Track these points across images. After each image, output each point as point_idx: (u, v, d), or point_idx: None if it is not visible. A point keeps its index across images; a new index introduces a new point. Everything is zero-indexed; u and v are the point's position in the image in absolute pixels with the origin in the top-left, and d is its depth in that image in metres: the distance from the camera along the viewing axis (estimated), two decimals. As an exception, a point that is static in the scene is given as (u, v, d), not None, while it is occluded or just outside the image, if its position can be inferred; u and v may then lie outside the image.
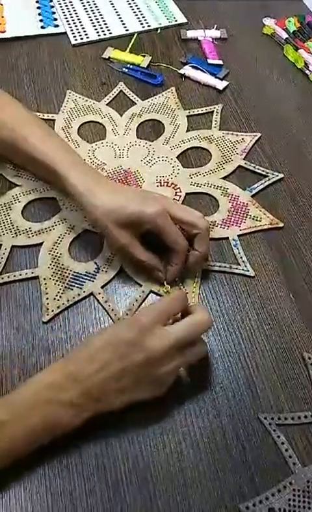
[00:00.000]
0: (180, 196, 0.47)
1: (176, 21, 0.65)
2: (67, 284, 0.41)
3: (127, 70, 0.58)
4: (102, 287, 0.41)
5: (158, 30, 0.64)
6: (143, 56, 0.60)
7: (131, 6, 0.66)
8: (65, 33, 0.63)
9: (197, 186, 0.48)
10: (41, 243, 0.43)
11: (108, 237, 0.40)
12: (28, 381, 0.32)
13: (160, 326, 0.32)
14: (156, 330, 0.32)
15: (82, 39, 0.62)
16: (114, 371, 0.31)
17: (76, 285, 0.41)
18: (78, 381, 0.31)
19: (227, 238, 0.44)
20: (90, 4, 0.66)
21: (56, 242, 0.43)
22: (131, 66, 0.59)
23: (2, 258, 0.42)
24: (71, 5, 0.66)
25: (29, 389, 0.32)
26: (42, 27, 0.63)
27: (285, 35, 0.63)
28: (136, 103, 0.55)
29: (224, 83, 0.57)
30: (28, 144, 0.42)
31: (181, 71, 0.58)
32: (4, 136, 0.43)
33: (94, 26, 0.64)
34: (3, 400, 0.31)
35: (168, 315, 0.33)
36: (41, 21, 0.64)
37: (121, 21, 0.64)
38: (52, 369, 0.33)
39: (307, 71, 0.60)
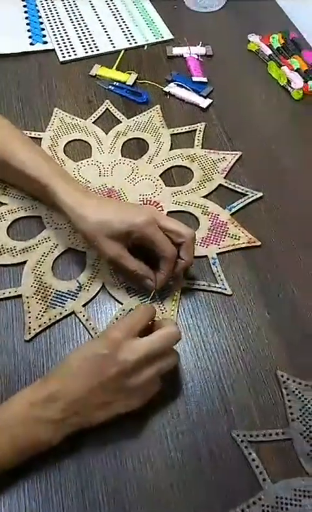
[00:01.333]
0: (162, 214, 0.48)
1: (162, 37, 0.66)
2: (50, 302, 0.42)
3: (113, 88, 0.60)
4: (83, 305, 0.42)
5: (145, 47, 0.65)
6: (130, 73, 0.61)
7: (119, 23, 0.68)
8: (53, 50, 0.64)
9: (178, 204, 0.49)
10: (25, 262, 0.44)
11: (98, 249, 0.41)
12: (10, 400, 0.33)
13: (132, 339, 0.34)
14: (127, 343, 0.33)
15: (70, 56, 0.63)
16: (92, 386, 0.33)
17: (58, 304, 0.42)
18: (58, 399, 0.32)
19: (206, 256, 0.46)
20: (78, 21, 0.67)
21: (39, 261, 0.45)
22: (117, 84, 0.60)
23: (-14, 277, 0.43)
24: (60, 21, 0.67)
25: (12, 408, 0.33)
26: (31, 44, 0.64)
27: (269, 51, 0.65)
28: (121, 121, 0.56)
29: (208, 101, 0.58)
30: (17, 160, 0.43)
31: (166, 89, 0.59)
32: None
33: (82, 43, 0.65)
34: None
35: (138, 327, 0.35)
36: (30, 37, 0.65)
37: (109, 37, 0.66)
38: (32, 388, 0.34)
39: (289, 88, 0.61)
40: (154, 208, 0.42)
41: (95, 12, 0.69)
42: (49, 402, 0.32)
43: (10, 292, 0.42)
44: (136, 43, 0.65)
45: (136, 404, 0.34)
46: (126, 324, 0.35)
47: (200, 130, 0.55)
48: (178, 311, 0.42)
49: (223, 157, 0.53)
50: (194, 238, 0.41)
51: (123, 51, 0.63)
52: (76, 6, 0.69)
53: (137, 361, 0.33)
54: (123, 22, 0.68)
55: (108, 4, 0.70)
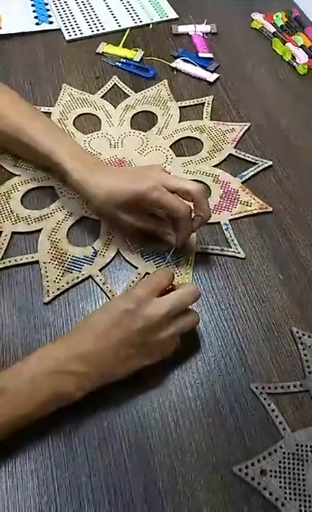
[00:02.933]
0: (173, 184, 0.49)
1: (167, 16, 0.67)
2: (66, 267, 0.43)
3: (120, 64, 0.60)
4: (100, 270, 0.43)
5: (151, 26, 0.65)
6: (136, 50, 0.61)
7: (123, 3, 0.68)
8: (59, 29, 0.64)
9: (189, 173, 0.50)
10: (40, 230, 0.45)
11: (115, 223, 0.42)
12: (33, 354, 0.33)
13: (155, 297, 0.35)
14: (151, 300, 0.34)
15: (76, 35, 0.64)
16: (114, 340, 0.33)
17: (75, 268, 0.43)
18: (80, 354, 0.33)
19: (219, 222, 0.46)
20: (82, 1, 0.68)
21: (54, 228, 0.45)
22: (124, 60, 0.60)
23: (3, 244, 0.44)
24: (65, 2, 0.68)
25: (35, 361, 0.33)
26: (37, 24, 0.65)
27: (273, 29, 0.66)
28: (129, 95, 0.57)
29: (215, 75, 0.59)
30: (29, 136, 0.44)
31: (173, 65, 0.60)
32: (6, 128, 0.45)
33: (87, 22, 0.65)
34: (12, 371, 0.33)
35: (160, 287, 0.36)
36: (36, 17, 0.65)
37: (114, 17, 0.66)
38: (55, 345, 0.34)
39: (294, 64, 0.62)
40: (159, 169, 0.41)
41: (100, -8, 0.69)
42: (74, 358, 0.33)
43: (27, 258, 0.43)
44: (141, 22, 0.66)
45: (155, 359, 0.35)
46: (149, 283, 0.36)
47: (208, 103, 0.56)
48: (193, 275, 0.43)
49: (232, 128, 0.54)
50: (202, 191, 0.39)
51: (128, 29, 0.64)
52: (80, -13, 0.69)
53: (162, 316, 0.34)
54: (128, 1, 0.68)
55: (112, -16, 0.70)
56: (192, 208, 0.40)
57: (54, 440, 0.34)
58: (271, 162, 0.51)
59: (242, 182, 0.49)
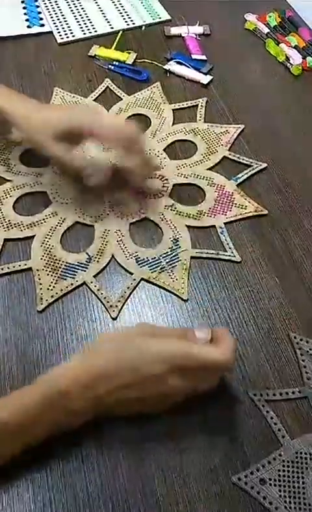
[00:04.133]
0: (168, 187, 0.48)
1: (160, 18, 0.66)
2: (60, 274, 0.42)
3: (112, 67, 0.60)
4: (94, 276, 0.42)
5: (143, 28, 0.65)
6: (129, 53, 0.61)
7: (115, 4, 0.68)
8: (51, 32, 0.64)
9: (184, 177, 0.49)
10: (33, 236, 0.44)
11: (48, 151, 0.43)
12: (39, 383, 0.32)
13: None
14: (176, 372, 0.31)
15: (67, 37, 0.63)
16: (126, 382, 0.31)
17: (69, 275, 0.42)
18: (89, 389, 0.31)
19: (214, 226, 0.46)
20: (74, 3, 0.67)
21: (47, 235, 0.44)
22: (117, 63, 0.60)
23: (-5, 251, 0.43)
24: (56, 4, 0.67)
25: (39, 392, 0.31)
26: (28, 27, 0.64)
27: (266, 30, 0.65)
28: (122, 98, 0.56)
29: (208, 77, 0.59)
30: None
31: (166, 67, 0.60)
32: None
33: (79, 24, 0.65)
34: (15, 400, 0.31)
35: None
36: (27, 20, 0.65)
37: (106, 19, 0.66)
38: (65, 374, 0.32)
39: (288, 65, 0.62)
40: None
41: (91, -6, 0.69)
42: (79, 393, 0.31)
43: (19, 265, 0.42)
44: (133, 24, 0.65)
45: (161, 408, 0.33)
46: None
47: (202, 105, 0.55)
48: (189, 279, 0.42)
49: (226, 130, 0.53)
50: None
51: (121, 32, 0.63)
52: (71, -11, 0.69)
53: (164, 370, 0.31)
54: (120, 3, 0.68)
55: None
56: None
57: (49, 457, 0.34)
58: (266, 164, 0.50)
59: (237, 185, 0.49)
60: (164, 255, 0.43)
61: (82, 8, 0.67)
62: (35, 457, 0.32)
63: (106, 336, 0.36)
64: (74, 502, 0.32)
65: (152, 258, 0.43)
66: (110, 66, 0.60)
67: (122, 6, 0.67)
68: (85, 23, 0.65)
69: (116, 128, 0.43)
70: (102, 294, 0.41)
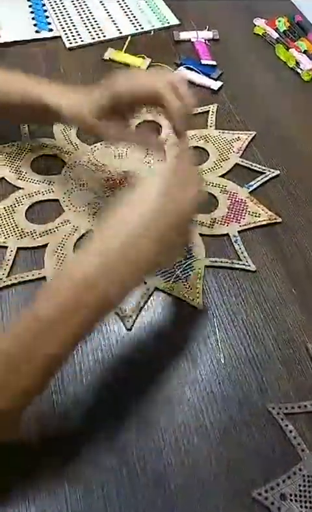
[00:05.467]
0: (180, 195, 0.48)
1: (168, 22, 0.66)
2: (74, 284, 0.41)
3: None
4: (108, 286, 0.42)
5: (152, 33, 0.65)
6: (143, 58, 0.60)
7: (123, 9, 0.67)
8: (59, 37, 0.63)
9: (196, 184, 0.49)
10: (46, 245, 0.44)
11: (93, 131, 0.41)
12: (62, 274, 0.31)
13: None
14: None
15: (76, 42, 0.63)
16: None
17: (82, 285, 0.41)
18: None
19: (228, 234, 0.45)
20: (82, 8, 0.67)
21: (60, 243, 0.44)
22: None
23: (8, 260, 0.42)
24: (64, 9, 0.67)
25: (66, 283, 0.29)
26: (36, 31, 0.64)
27: (275, 35, 0.65)
28: (133, 105, 0.56)
29: (218, 83, 0.58)
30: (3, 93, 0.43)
31: (176, 72, 0.59)
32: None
33: (88, 29, 0.64)
34: (46, 295, 0.30)
35: None
36: (35, 25, 0.64)
37: (115, 23, 0.65)
38: (85, 258, 0.30)
39: (298, 70, 0.61)
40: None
41: (99, -2, 0.68)
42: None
43: (33, 275, 0.42)
44: (142, 28, 0.65)
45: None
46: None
47: (212, 112, 0.55)
48: (203, 289, 0.42)
49: (238, 137, 0.53)
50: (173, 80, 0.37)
51: (129, 36, 0.63)
52: (79, -6, 0.69)
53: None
54: (128, 8, 0.67)
55: (111, -9, 0.69)
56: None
57: (70, 483, 0.33)
58: (278, 171, 0.50)
59: (250, 192, 0.48)
60: (178, 264, 0.43)
61: (91, 13, 0.66)
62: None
63: None
64: None
65: (166, 268, 0.43)
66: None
67: (130, 11, 0.67)
68: (93, 28, 0.64)
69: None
70: (116, 304, 0.41)
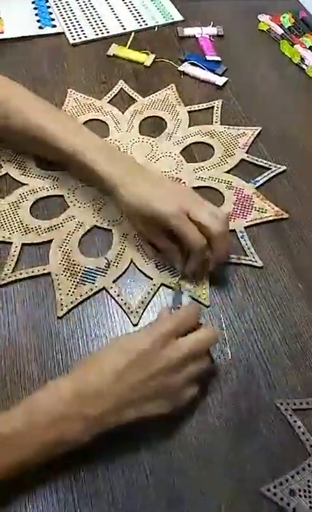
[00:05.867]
0: (185, 191, 0.48)
1: (172, 18, 0.65)
2: (79, 279, 0.41)
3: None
4: (114, 281, 0.41)
5: (156, 29, 0.64)
6: (147, 54, 0.60)
7: (127, 5, 0.67)
8: (62, 33, 0.63)
9: (201, 180, 0.49)
10: (51, 241, 0.44)
11: (134, 227, 0.43)
12: (45, 390, 0.31)
13: (175, 338, 0.33)
14: (172, 341, 0.33)
15: (80, 38, 0.62)
16: (130, 381, 0.31)
17: (88, 280, 0.41)
18: (92, 395, 0.30)
19: (234, 230, 0.45)
20: (86, 4, 0.67)
21: (65, 239, 0.44)
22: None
23: (13, 256, 0.42)
24: (68, 5, 0.66)
25: (48, 401, 0.31)
26: (40, 27, 0.63)
27: (280, 31, 0.64)
28: (136, 100, 0.55)
29: (223, 79, 0.58)
30: (51, 135, 0.42)
31: (180, 68, 0.59)
32: (27, 127, 0.43)
33: (91, 25, 0.64)
34: (22, 408, 0.31)
35: (183, 329, 0.34)
36: (38, 21, 0.64)
37: (118, 19, 0.65)
38: (64, 382, 0.32)
39: (303, 66, 0.61)
40: (188, 196, 0.39)
41: (103, -6, 0.68)
42: (85, 399, 0.30)
43: (38, 270, 0.42)
44: (146, 24, 0.64)
45: (169, 407, 0.33)
46: (173, 323, 0.33)
47: (217, 107, 0.55)
48: (210, 285, 0.42)
49: (243, 132, 0.52)
50: (223, 234, 0.38)
51: (133, 32, 0.63)
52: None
53: (180, 359, 0.32)
54: (131, 4, 0.67)
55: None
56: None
57: (76, 485, 0.33)
58: (285, 167, 0.50)
59: (256, 188, 0.48)
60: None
61: (94, 9, 0.66)
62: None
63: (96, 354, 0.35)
64: None
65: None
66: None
67: (134, 7, 0.67)
68: (97, 24, 0.64)
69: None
70: (122, 299, 0.40)
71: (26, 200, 0.46)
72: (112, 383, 0.31)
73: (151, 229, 0.40)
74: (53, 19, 0.64)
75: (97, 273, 0.42)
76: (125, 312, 0.40)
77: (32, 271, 0.42)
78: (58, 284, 0.41)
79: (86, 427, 0.30)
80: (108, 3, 0.67)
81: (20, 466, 0.29)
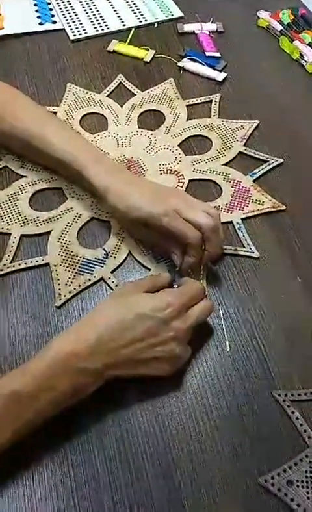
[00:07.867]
0: (183, 183, 0.48)
1: (172, 15, 0.66)
2: (78, 270, 0.41)
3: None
4: (112, 272, 0.41)
5: (156, 25, 0.65)
6: (147, 49, 0.60)
7: (127, 1, 0.67)
8: (63, 29, 0.63)
9: (199, 172, 0.49)
10: (49, 232, 0.44)
11: (128, 229, 0.44)
12: (45, 350, 0.32)
13: (185, 311, 0.35)
14: (183, 314, 0.35)
15: (80, 34, 0.63)
16: (141, 347, 0.33)
17: (86, 271, 0.41)
18: (103, 352, 0.32)
19: (231, 222, 0.45)
20: (86, 0, 0.67)
21: (64, 230, 0.44)
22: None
23: (12, 247, 0.42)
24: (68, 1, 0.67)
25: (49, 358, 0.31)
26: (40, 24, 0.64)
27: (279, 27, 0.65)
28: (135, 94, 0.55)
29: (223, 74, 0.58)
30: (45, 141, 0.43)
31: (180, 64, 0.59)
32: (22, 133, 0.44)
33: (91, 21, 0.64)
34: (24, 371, 0.31)
35: (192, 303, 0.36)
36: (38, 17, 0.64)
37: (118, 15, 0.65)
38: (69, 337, 0.33)
39: (302, 62, 0.61)
40: (178, 197, 0.40)
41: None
42: (94, 354, 0.32)
43: (37, 261, 0.42)
44: (146, 20, 0.65)
45: (169, 369, 0.35)
46: (183, 295, 0.36)
47: (216, 101, 0.55)
48: (207, 278, 0.42)
49: (241, 126, 0.53)
50: (213, 228, 0.38)
51: (133, 28, 0.63)
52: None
53: (186, 331, 0.35)
54: (132, 0, 0.67)
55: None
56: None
57: (73, 459, 0.33)
58: (282, 160, 0.50)
59: (254, 181, 0.48)
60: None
61: (94, 5, 0.66)
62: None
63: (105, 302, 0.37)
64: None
65: (170, 255, 0.42)
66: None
67: (134, 3, 0.67)
68: (97, 20, 0.65)
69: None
70: (120, 290, 0.40)
71: (25, 192, 0.46)
72: (122, 345, 0.33)
73: (148, 234, 0.41)
74: (53, 15, 0.65)
75: (96, 263, 0.42)
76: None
77: (31, 262, 0.42)
78: (57, 275, 0.41)
79: (95, 380, 0.32)
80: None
81: (35, 424, 0.30)
